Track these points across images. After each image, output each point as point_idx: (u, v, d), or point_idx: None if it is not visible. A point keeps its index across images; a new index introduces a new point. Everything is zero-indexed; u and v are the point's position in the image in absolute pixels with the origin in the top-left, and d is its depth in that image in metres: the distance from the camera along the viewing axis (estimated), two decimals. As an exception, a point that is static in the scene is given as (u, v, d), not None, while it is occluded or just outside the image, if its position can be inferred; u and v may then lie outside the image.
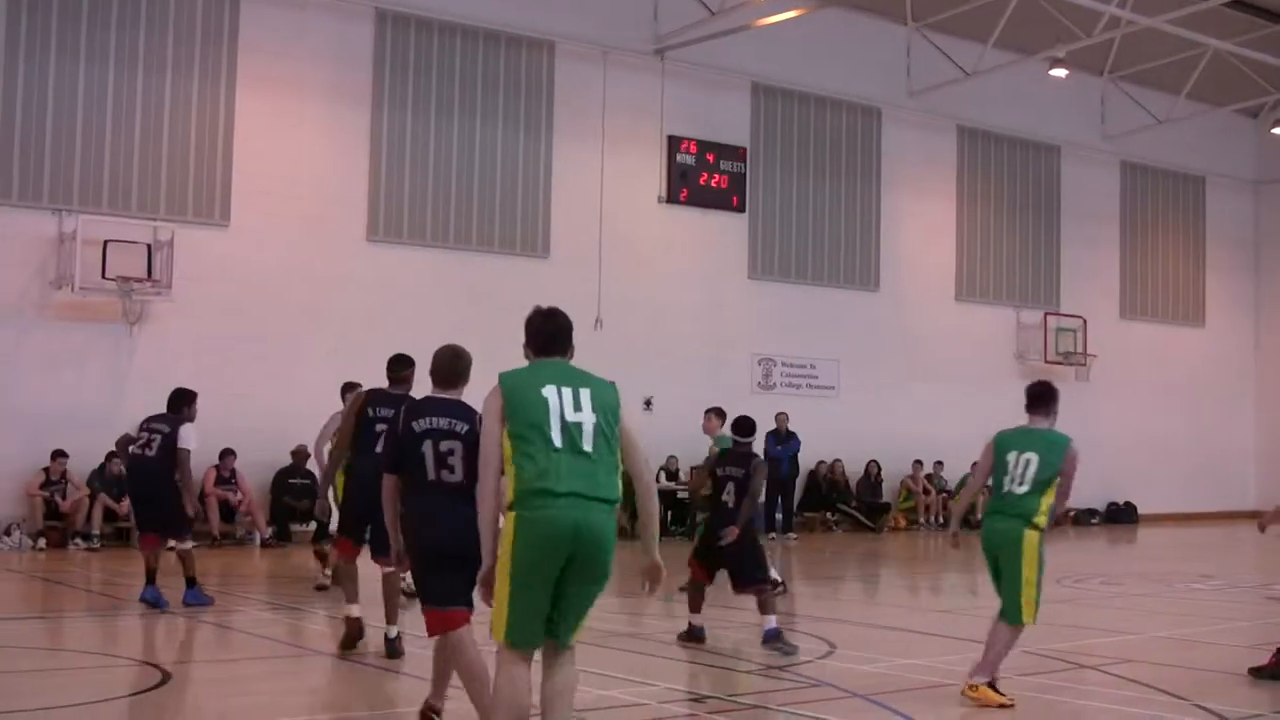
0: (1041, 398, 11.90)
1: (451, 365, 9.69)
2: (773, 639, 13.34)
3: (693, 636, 13.80)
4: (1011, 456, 11.20)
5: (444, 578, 8.91)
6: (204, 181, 25.37)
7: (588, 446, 7.39)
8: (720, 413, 17.25)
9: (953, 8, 32.93)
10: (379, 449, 11.42)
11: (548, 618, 7.40)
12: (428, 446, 9.12)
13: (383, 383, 12.71)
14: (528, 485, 7.24)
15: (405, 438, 9.22)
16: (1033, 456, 11.18)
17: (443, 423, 9.20)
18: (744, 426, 14.82)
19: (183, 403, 16.53)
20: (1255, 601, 19.37)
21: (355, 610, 12.68)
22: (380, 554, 12.26)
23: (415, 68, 27.55)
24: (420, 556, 9.05)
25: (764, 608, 13.60)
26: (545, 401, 7.41)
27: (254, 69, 25.88)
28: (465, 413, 9.27)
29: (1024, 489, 11.07)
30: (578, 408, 7.46)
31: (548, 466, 7.26)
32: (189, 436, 15.96)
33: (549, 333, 7.93)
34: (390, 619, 12.33)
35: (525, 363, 7.85)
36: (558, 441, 7.33)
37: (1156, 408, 38.84)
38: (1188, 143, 39.76)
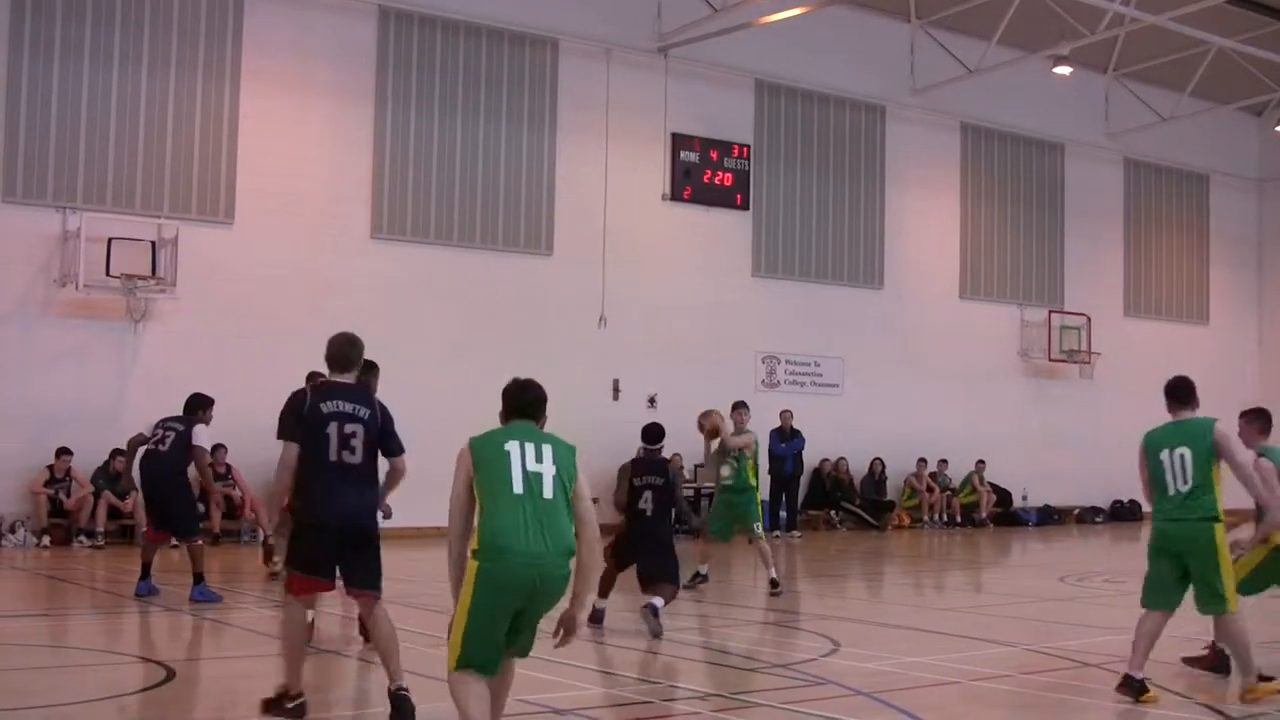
0: (1178, 391, 11.87)
1: (344, 352, 10.12)
2: (651, 614, 13.78)
3: (593, 619, 14.25)
4: (1165, 455, 11.37)
5: (323, 551, 9.65)
6: (208, 179, 25.38)
7: (548, 494, 8.09)
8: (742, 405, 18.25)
9: (956, 5, 32.93)
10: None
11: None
12: (333, 428, 9.68)
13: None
14: (490, 540, 7.92)
15: (312, 418, 9.71)
16: (1185, 451, 11.34)
17: (347, 407, 9.75)
18: (652, 434, 15.12)
19: (199, 406, 17.17)
20: (1258, 599, 19.32)
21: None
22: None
23: (419, 65, 27.55)
24: (309, 530, 9.69)
25: (661, 592, 14.08)
26: (507, 455, 8.15)
27: (258, 67, 25.89)
28: (365, 398, 9.95)
29: (1189, 486, 11.29)
30: (538, 459, 8.18)
31: (510, 521, 7.94)
32: (202, 435, 16.61)
33: (523, 402, 8.61)
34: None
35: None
36: (518, 488, 8.04)
37: (1160, 406, 38.48)
38: (1191, 140, 39.74)
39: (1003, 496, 35.01)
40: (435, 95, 27.71)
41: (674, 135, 30.41)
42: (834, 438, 31.70)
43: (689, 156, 30.63)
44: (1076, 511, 36.83)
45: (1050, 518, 35.66)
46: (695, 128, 30.81)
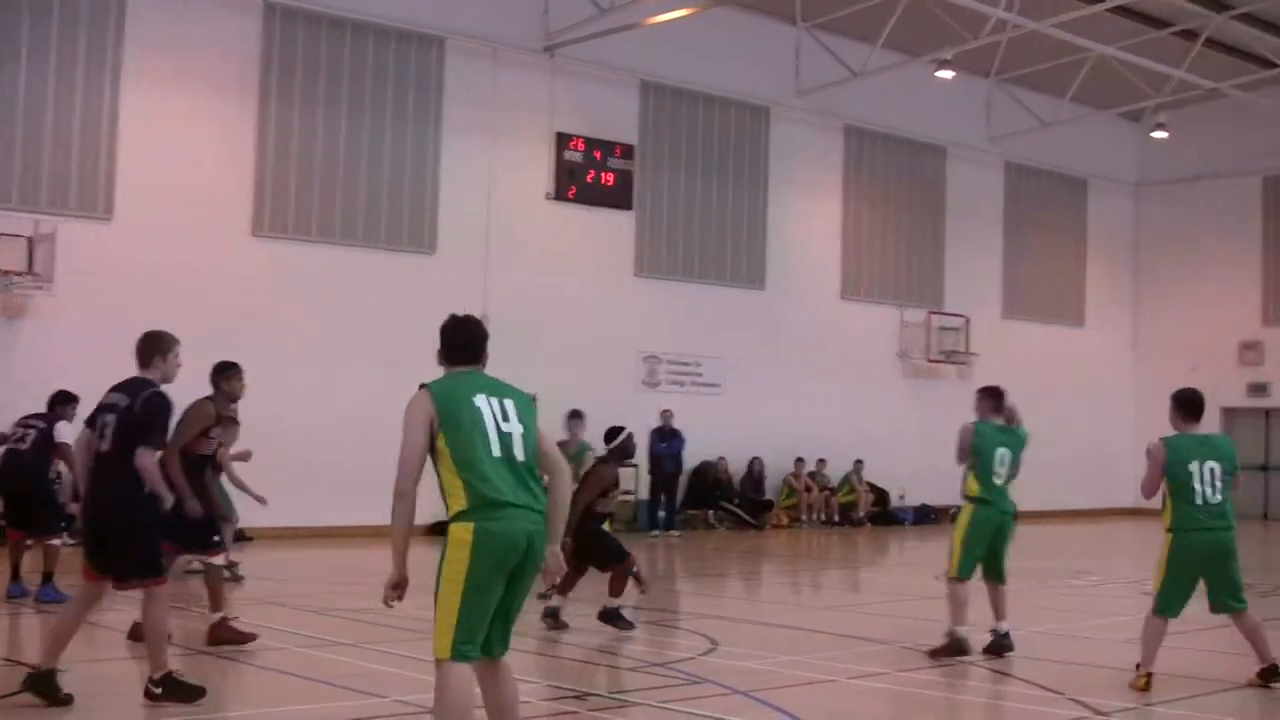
0: (1194, 405, 12.33)
1: (147, 346, 10.91)
2: (611, 618, 14.53)
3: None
4: (1195, 467, 11.61)
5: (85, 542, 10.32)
6: (87, 174, 25.04)
7: (520, 456, 7.70)
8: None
9: (842, 8, 33.11)
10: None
11: (491, 624, 7.59)
12: (98, 418, 10.36)
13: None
14: (480, 497, 7.46)
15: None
16: (1215, 465, 11.65)
17: (112, 398, 10.33)
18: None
19: (62, 402, 16.89)
20: (1132, 597, 19.63)
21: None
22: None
23: (304, 62, 27.35)
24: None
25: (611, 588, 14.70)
26: (479, 411, 7.70)
27: (140, 61, 25.58)
28: (131, 388, 10.37)
29: (1219, 497, 11.60)
30: (506, 418, 7.78)
31: (495, 477, 7.53)
32: (64, 431, 16.22)
33: (464, 340, 8.15)
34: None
35: (436, 367, 8.16)
36: (496, 451, 7.61)
37: (1037, 406, 38.66)
38: (1071, 145, 40.24)
39: (880, 496, 35.28)
40: (320, 92, 27.52)
41: (559, 135, 30.40)
42: (714, 437, 31.82)
43: (573, 156, 30.63)
44: (953, 511, 36.98)
45: (927, 517, 35.98)
46: (580, 127, 30.82)
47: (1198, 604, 11.94)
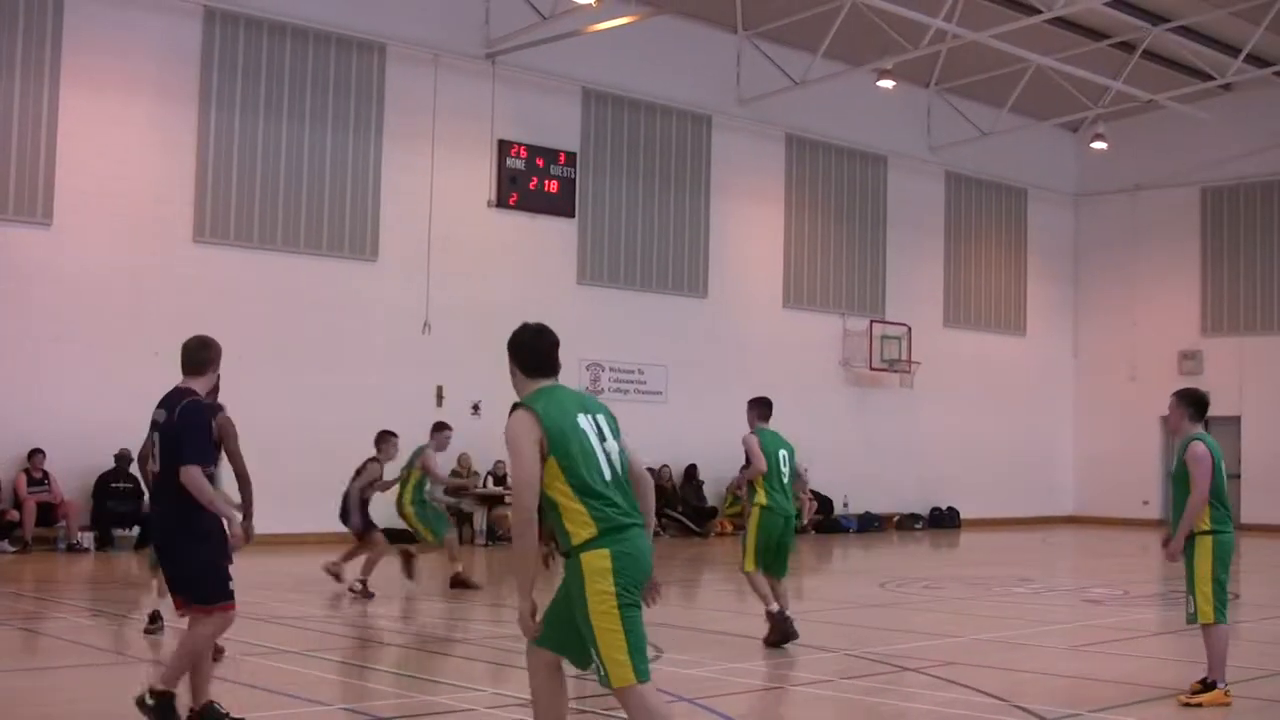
0: (1207, 406, 11.81)
1: (195, 355, 9.94)
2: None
3: None
4: (1222, 465, 11.46)
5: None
6: (25, 179, 24.82)
7: (621, 474, 7.51)
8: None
9: (783, 17, 33.20)
10: None
11: (579, 646, 7.38)
12: (155, 437, 9.50)
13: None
14: (610, 519, 7.25)
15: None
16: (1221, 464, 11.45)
17: (158, 414, 9.48)
18: None
19: None
20: (1072, 604, 19.77)
21: None
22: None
23: (244, 67, 27.20)
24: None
25: None
26: (585, 434, 7.44)
27: (79, 66, 25.38)
28: (169, 400, 9.50)
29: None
30: (603, 437, 7.53)
31: (615, 497, 7.35)
32: None
33: (543, 351, 7.82)
34: None
35: (510, 376, 7.88)
36: (608, 474, 7.40)
37: (979, 414, 39.48)
38: (1010, 155, 40.46)
39: (824, 504, 35.34)
40: (261, 98, 27.38)
41: (500, 142, 30.33)
42: (657, 445, 31.77)
43: (515, 163, 30.58)
44: (896, 519, 37.31)
45: (871, 524, 36.09)
46: (522, 135, 30.76)
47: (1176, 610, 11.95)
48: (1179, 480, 11.39)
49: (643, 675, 7.16)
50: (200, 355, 9.82)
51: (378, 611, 17.09)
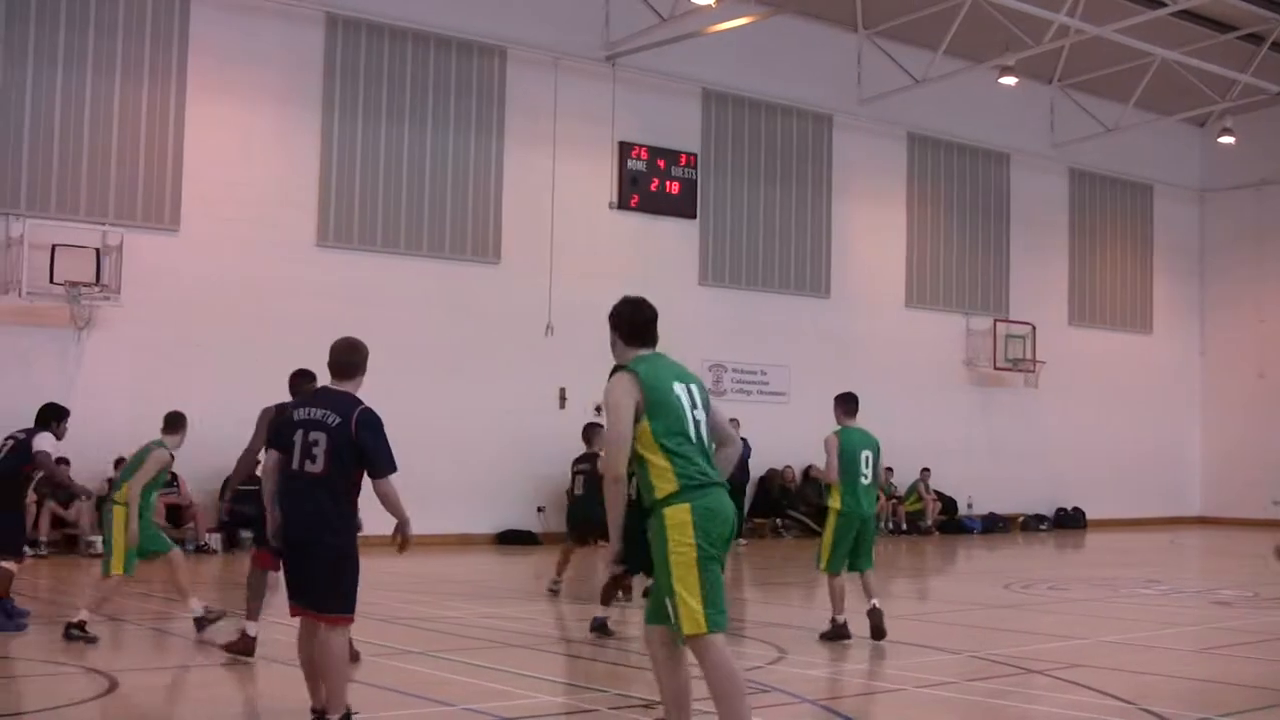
0: None
1: (346, 357, 9.75)
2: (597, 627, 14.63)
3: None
4: None
5: (292, 568, 9.31)
6: (153, 186, 25.22)
7: (706, 440, 8.06)
8: None
9: (903, 15, 33.05)
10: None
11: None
12: (299, 436, 9.26)
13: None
14: (693, 478, 7.82)
15: (283, 424, 9.47)
16: None
17: (317, 414, 9.32)
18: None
19: (50, 417, 15.40)
20: (1200, 606, 19.50)
21: (253, 628, 12.58)
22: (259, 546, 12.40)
23: (366, 73, 27.47)
24: (282, 544, 9.35)
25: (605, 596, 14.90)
26: (679, 400, 8.00)
27: (204, 73, 25.76)
28: (342, 406, 9.36)
29: None
30: (694, 405, 8.07)
31: (699, 460, 7.91)
32: (44, 440, 14.85)
33: (643, 321, 8.31)
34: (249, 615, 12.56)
35: (610, 347, 8.39)
36: (694, 437, 7.96)
37: (1104, 414, 39.06)
38: (1135, 151, 40.01)
39: (948, 504, 35.11)
40: (382, 103, 27.63)
41: (621, 144, 30.41)
42: (781, 445, 31.71)
43: (636, 165, 30.65)
44: (1021, 519, 36.99)
45: (995, 525, 35.81)
46: (643, 136, 30.82)
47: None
48: None
49: (715, 625, 7.72)
50: (352, 358, 9.75)
51: (501, 612, 17.17)
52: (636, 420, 7.88)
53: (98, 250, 24.19)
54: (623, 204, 30.44)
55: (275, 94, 26.60)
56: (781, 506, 32.14)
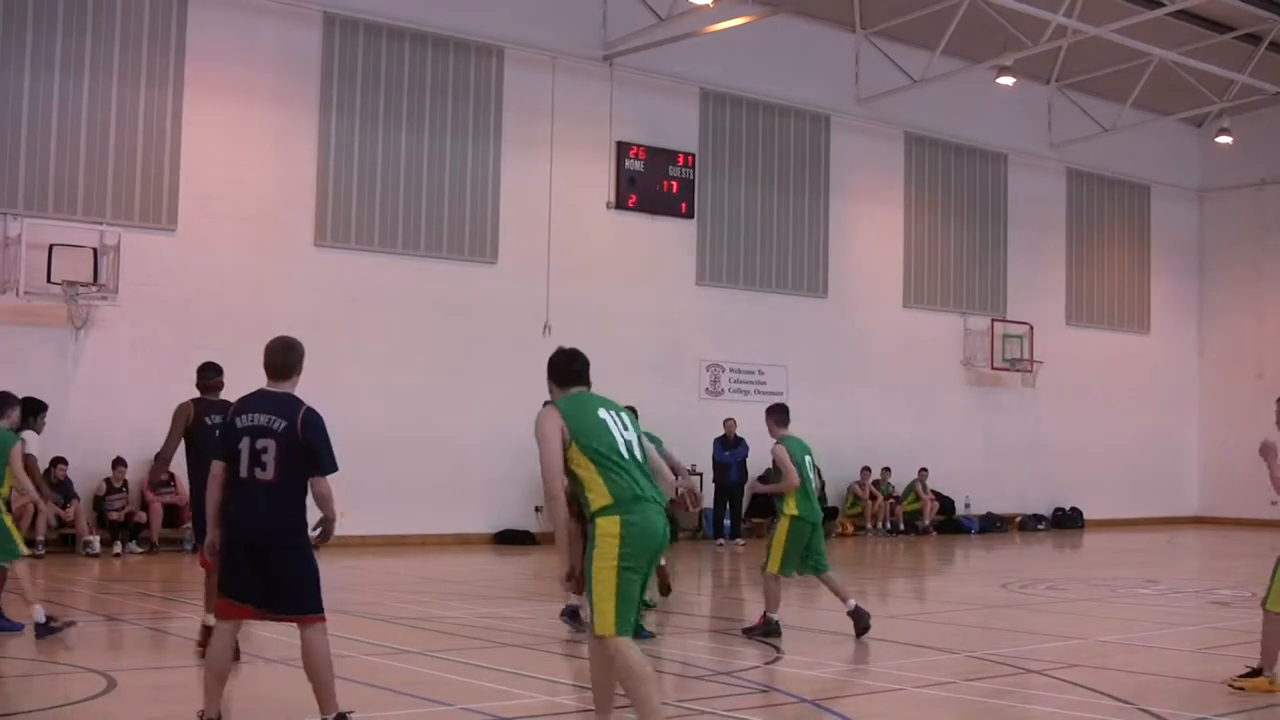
0: None
1: (282, 357, 9.61)
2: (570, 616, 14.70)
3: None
4: None
5: (239, 573, 9.20)
6: (151, 186, 25.20)
7: (640, 457, 8.72)
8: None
9: (901, 15, 33.05)
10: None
11: None
12: (245, 443, 9.19)
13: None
14: (624, 492, 8.45)
15: (227, 432, 9.34)
16: None
17: (261, 419, 9.24)
18: None
19: (31, 412, 15.28)
20: (1199, 606, 19.51)
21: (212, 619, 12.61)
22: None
23: (363, 73, 27.45)
24: (225, 548, 9.28)
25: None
26: (605, 423, 8.66)
27: (201, 74, 25.74)
28: (286, 409, 9.28)
29: None
30: (624, 428, 8.75)
31: (631, 476, 8.53)
32: (31, 444, 14.52)
33: (575, 369, 9.05)
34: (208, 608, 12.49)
35: (548, 392, 9.11)
36: (625, 454, 8.59)
37: (1102, 414, 39.06)
38: (1133, 151, 40.02)
39: (945, 504, 35.10)
40: (380, 103, 27.62)
41: (619, 144, 30.40)
42: (778, 446, 31.65)
43: (634, 165, 30.63)
44: (1019, 519, 36.99)
45: (993, 525, 35.81)
46: (640, 136, 30.81)
47: None
48: None
49: (622, 629, 8.35)
50: (288, 358, 9.61)
51: (499, 612, 17.17)
52: (566, 447, 8.51)
53: (95, 250, 24.17)
54: (620, 204, 30.43)
55: (272, 93, 26.58)
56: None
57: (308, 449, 9.19)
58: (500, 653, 13.50)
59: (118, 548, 23.59)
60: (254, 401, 9.38)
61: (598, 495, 8.47)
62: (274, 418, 9.20)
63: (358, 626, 15.07)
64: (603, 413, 8.72)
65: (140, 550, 24.08)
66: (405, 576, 21.18)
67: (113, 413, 23.96)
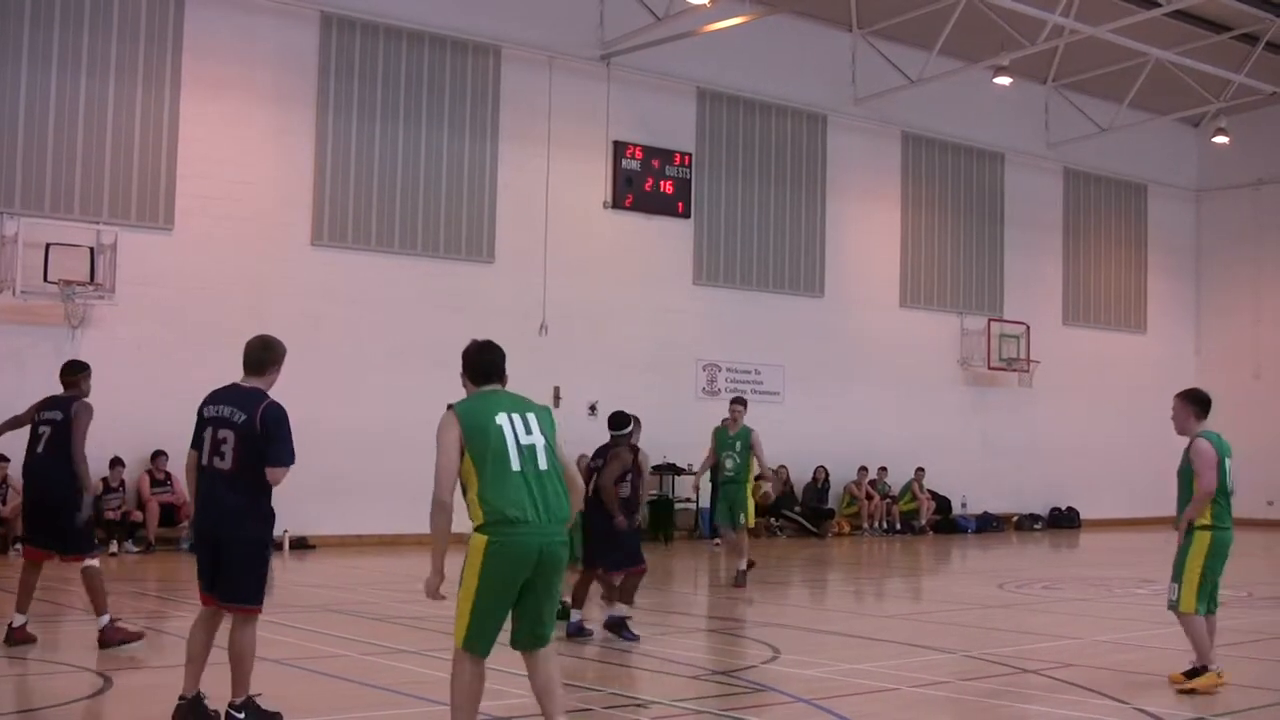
0: (1210, 403, 12.49)
1: (258, 354, 9.96)
2: (618, 627, 14.40)
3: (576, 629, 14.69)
4: (1228, 464, 12.02)
5: (200, 560, 9.62)
6: (148, 185, 25.20)
7: (544, 465, 8.38)
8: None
9: (898, 15, 33.07)
10: (40, 450, 13.00)
11: (521, 623, 8.42)
12: (208, 433, 9.52)
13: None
14: (496, 513, 8.18)
15: (197, 422, 9.68)
16: (1229, 463, 12.05)
17: (225, 411, 9.55)
18: (614, 420, 15.85)
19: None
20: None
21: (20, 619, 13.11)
22: (75, 550, 13.03)
23: (360, 72, 27.45)
24: (193, 536, 9.77)
25: (621, 594, 14.75)
26: (500, 429, 8.36)
27: (199, 72, 25.73)
28: (248, 402, 9.57)
29: (1233, 493, 12.07)
30: (528, 430, 8.45)
31: (512, 494, 8.22)
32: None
33: (487, 364, 8.94)
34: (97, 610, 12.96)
35: (461, 385, 9.00)
36: (516, 464, 8.29)
37: (1098, 413, 39.08)
38: (1130, 151, 40.04)
39: (942, 504, 35.12)
40: (377, 102, 27.62)
41: (616, 143, 30.41)
42: (774, 445, 31.57)
43: (631, 164, 30.63)
44: (1015, 519, 37.00)
45: (989, 525, 35.83)
46: (637, 135, 30.81)
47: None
48: (1184, 476, 12.08)
49: (469, 647, 8.25)
50: (263, 355, 9.97)
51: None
52: (461, 455, 8.31)
53: (92, 249, 24.16)
54: (617, 203, 30.43)
55: (270, 93, 26.58)
56: (776, 506, 32.11)
57: (265, 442, 9.42)
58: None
59: (114, 547, 23.58)
60: (222, 394, 9.77)
61: (475, 512, 8.28)
62: (236, 410, 9.52)
63: (354, 626, 15.08)
64: (501, 418, 8.46)
65: (137, 550, 24.09)
66: (401, 575, 21.16)
67: (109, 412, 23.84)
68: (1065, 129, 38.64)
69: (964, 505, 36.05)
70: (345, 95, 27.28)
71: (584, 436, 24.58)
